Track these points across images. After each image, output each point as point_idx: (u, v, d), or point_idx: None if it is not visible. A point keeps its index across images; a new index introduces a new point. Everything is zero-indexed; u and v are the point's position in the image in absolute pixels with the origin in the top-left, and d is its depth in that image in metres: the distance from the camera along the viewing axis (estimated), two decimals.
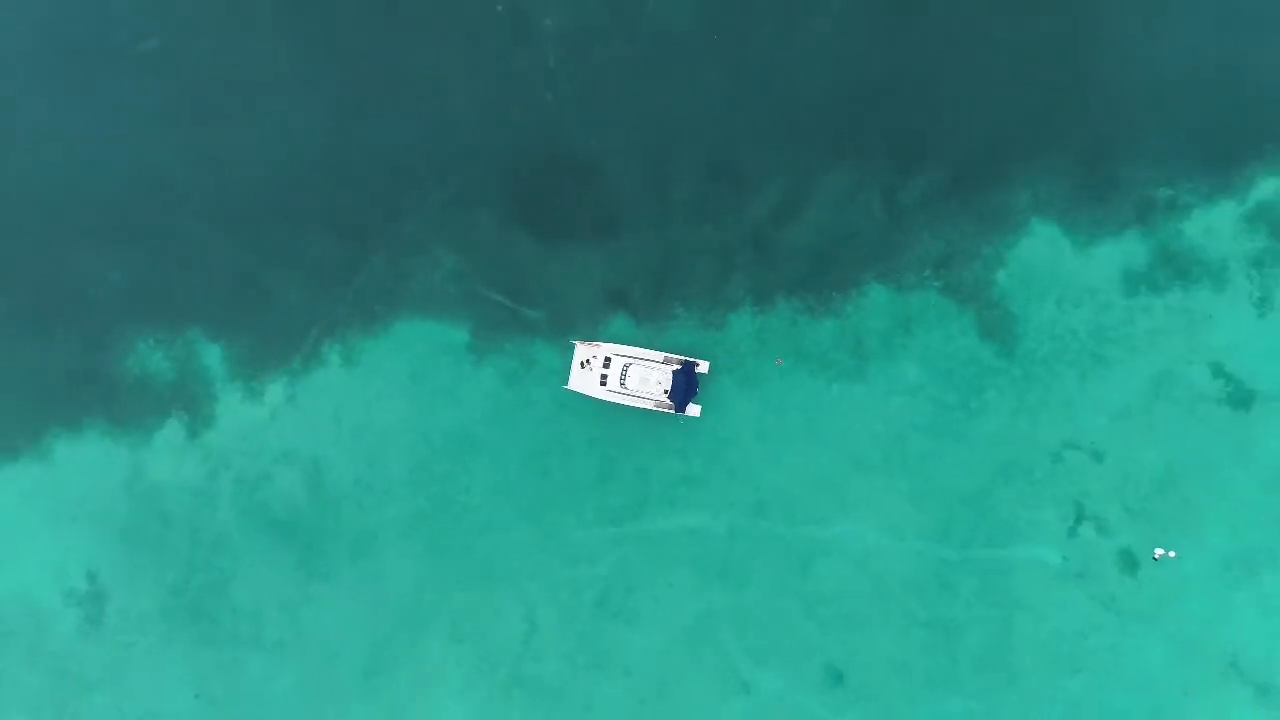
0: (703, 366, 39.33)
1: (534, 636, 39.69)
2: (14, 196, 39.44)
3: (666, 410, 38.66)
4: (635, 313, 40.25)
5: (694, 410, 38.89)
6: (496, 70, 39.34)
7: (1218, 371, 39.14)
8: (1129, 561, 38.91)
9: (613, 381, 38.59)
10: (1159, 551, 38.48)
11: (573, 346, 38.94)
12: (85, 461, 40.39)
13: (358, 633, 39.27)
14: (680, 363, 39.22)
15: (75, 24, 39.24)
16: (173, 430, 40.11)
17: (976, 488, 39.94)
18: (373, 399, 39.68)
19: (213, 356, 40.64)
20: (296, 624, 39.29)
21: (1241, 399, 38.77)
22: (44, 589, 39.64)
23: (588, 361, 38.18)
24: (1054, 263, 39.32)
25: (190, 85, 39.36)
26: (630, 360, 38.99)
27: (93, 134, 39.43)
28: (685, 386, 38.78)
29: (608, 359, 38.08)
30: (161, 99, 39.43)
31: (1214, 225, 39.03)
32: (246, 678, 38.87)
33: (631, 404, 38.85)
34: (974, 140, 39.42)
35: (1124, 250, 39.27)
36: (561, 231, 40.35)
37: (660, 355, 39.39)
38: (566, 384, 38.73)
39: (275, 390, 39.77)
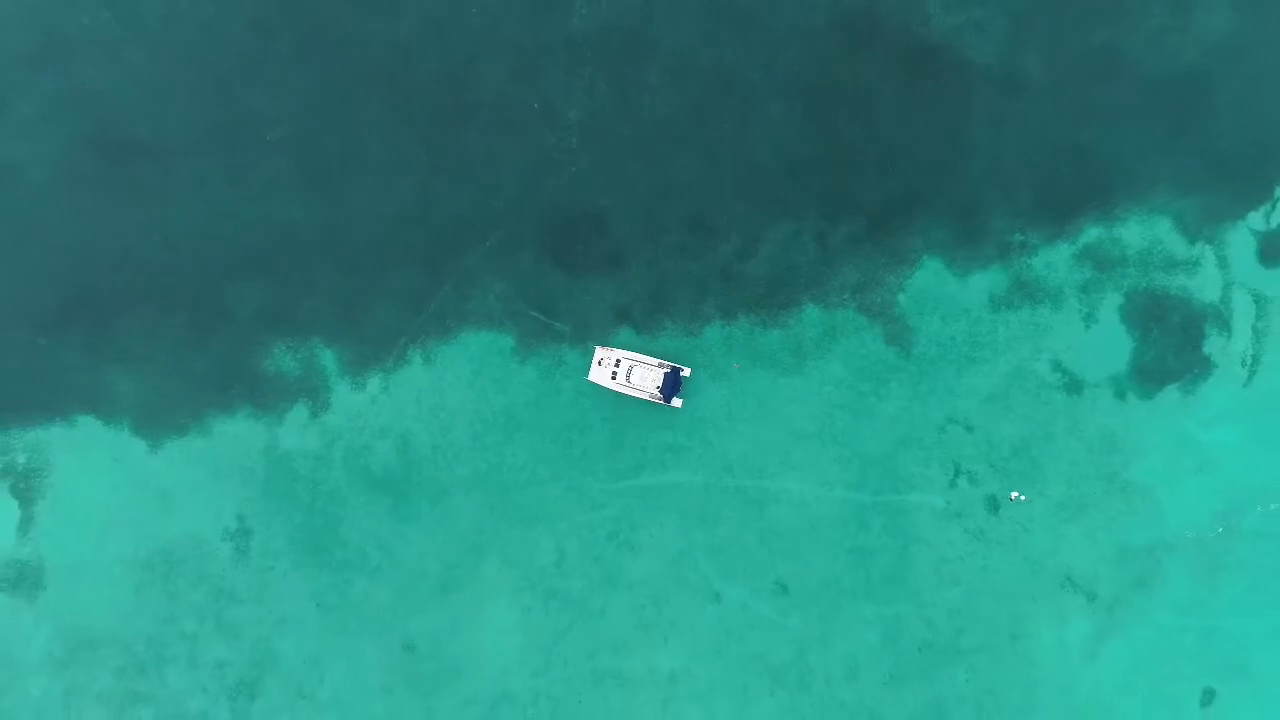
0: (686, 372, 50.03)
1: (562, 561, 49.32)
2: (184, 244, 49.67)
3: (658, 401, 49.64)
4: (636, 325, 50.36)
5: (677, 403, 49.74)
6: (535, 150, 49.99)
7: (1056, 367, 49.54)
8: (993, 504, 49.09)
9: (620, 377, 49.27)
10: (1014, 495, 48.93)
11: (593, 350, 49.25)
12: (235, 435, 49.35)
13: (434, 559, 49.34)
14: (670, 368, 49.94)
15: (225, 121, 49.79)
16: (299, 412, 49.46)
17: (883, 451, 49.61)
18: (445, 388, 49.70)
19: (328, 358, 49.67)
20: (389, 553, 49.35)
21: (1073, 387, 49.56)
22: (206, 528, 49.17)
23: (602, 361, 48.96)
24: (939, 288, 49.83)
25: (310, 161, 50.07)
26: (634, 363, 49.59)
27: (239, 198, 49.77)
28: (672, 385, 49.60)
29: (618, 360, 48.88)
30: (288, 171, 50.01)
31: (1053, 261, 49.71)
32: (353, 592, 49.13)
33: (633, 394, 49.44)
34: (882, 200, 50.14)
35: (989, 279, 49.77)
36: (582, 266, 50.21)
37: (656, 361, 49.80)
38: (587, 377, 49.50)
39: (374, 382, 49.51)
